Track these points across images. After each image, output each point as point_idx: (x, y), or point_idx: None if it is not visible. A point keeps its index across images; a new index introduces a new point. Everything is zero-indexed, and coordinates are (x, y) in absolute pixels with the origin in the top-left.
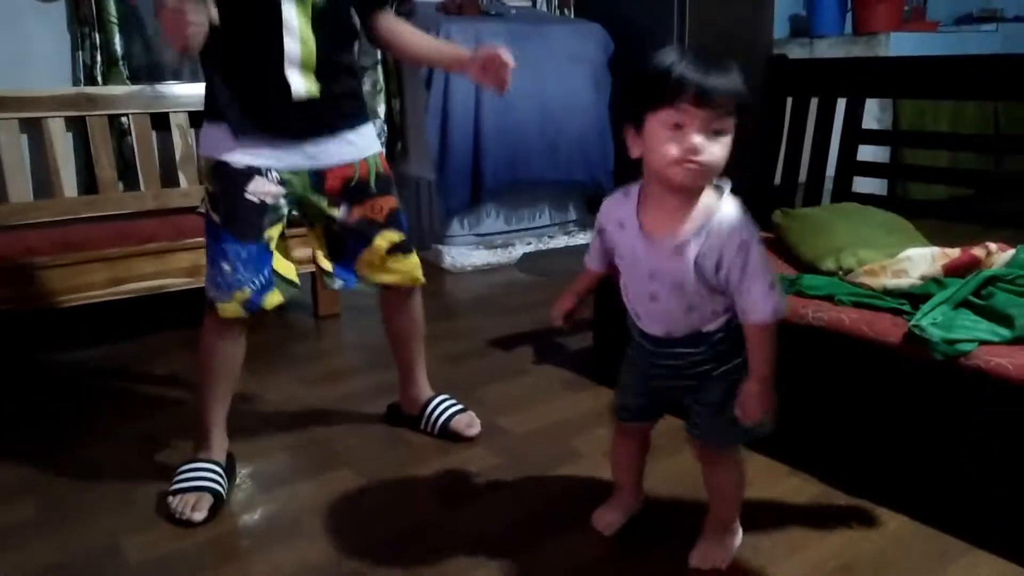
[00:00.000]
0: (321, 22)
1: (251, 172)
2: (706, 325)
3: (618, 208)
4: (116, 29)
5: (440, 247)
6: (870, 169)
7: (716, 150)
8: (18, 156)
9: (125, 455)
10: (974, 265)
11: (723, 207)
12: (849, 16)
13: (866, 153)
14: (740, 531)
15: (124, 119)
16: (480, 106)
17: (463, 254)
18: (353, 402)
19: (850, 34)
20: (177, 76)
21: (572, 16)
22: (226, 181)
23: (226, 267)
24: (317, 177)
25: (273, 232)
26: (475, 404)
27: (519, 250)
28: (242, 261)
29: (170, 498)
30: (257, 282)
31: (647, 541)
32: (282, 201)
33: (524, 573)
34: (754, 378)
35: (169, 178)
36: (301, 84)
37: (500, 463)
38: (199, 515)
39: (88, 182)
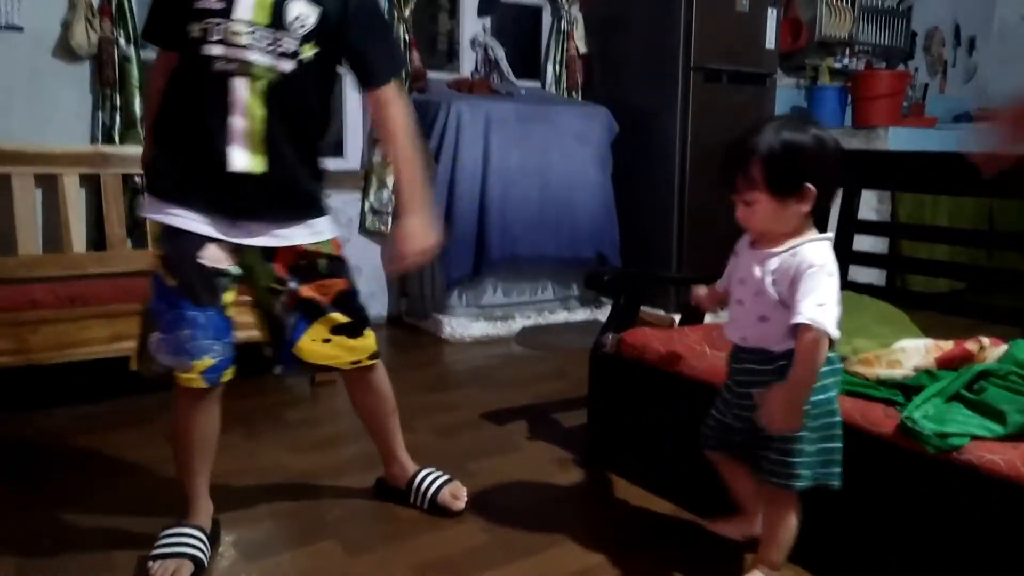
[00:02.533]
0: (274, 98)
1: (202, 239)
2: (773, 344)
3: (742, 241)
4: (137, 91)
5: (440, 317)
6: (866, 259)
7: (754, 217)
8: (31, 210)
9: (110, 517)
10: (967, 359)
11: (815, 243)
12: (849, 109)
13: (865, 244)
14: None
15: (138, 179)
16: (487, 180)
17: (462, 325)
18: (344, 472)
19: (850, 127)
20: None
21: (579, 98)
22: (178, 244)
23: (184, 334)
24: (266, 254)
25: (228, 298)
26: (466, 478)
27: (519, 323)
28: (201, 327)
29: (150, 563)
30: (218, 350)
31: None
32: (235, 268)
33: None
34: (785, 380)
35: None
36: (242, 160)
37: (488, 541)
38: None
39: (97, 238)
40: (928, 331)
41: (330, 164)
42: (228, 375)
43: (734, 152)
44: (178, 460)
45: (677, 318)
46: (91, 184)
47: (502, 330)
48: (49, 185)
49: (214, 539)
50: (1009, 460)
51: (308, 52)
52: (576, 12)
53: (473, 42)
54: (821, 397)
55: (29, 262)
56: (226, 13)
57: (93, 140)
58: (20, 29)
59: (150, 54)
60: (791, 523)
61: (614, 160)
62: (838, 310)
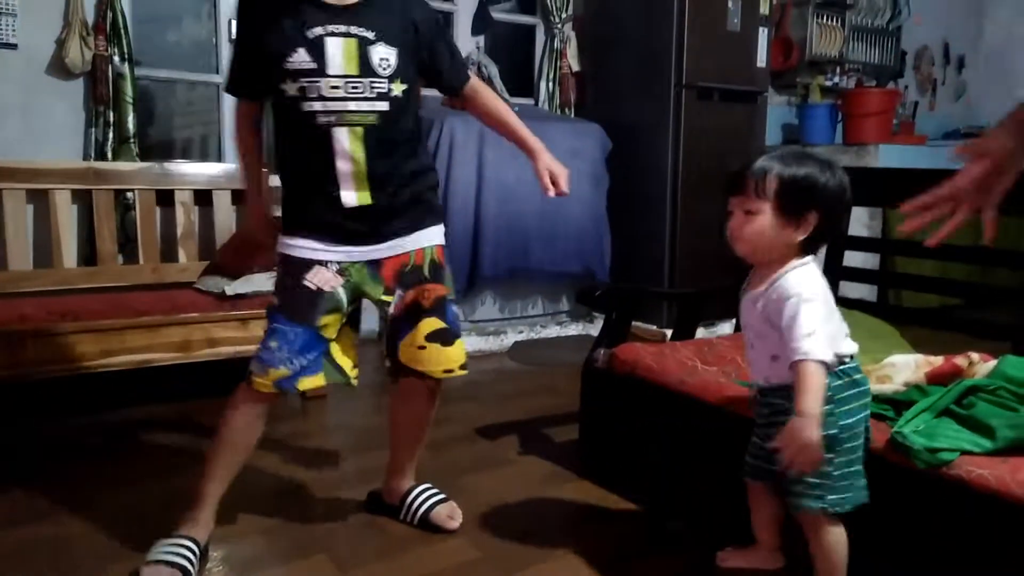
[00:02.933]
0: (372, 140)
1: (311, 263)
2: (791, 379)
3: (750, 277)
4: (131, 108)
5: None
6: (856, 275)
7: (750, 227)
8: (22, 225)
9: (101, 528)
10: (956, 374)
11: (793, 271)
12: (840, 126)
13: (856, 260)
14: None
15: (129, 194)
16: (481, 195)
17: None
18: (334, 486)
19: (840, 144)
20: (186, 155)
21: (572, 115)
22: (288, 268)
23: (273, 344)
24: (374, 265)
25: (328, 321)
26: (458, 493)
27: (511, 338)
28: (289, 342)
29: (142, 567)
30: (297, 364)
31: None
32: (340, 291)
33: None
34: (796, 415)
35: (169, 253)
36: (352, 197)
37: (480, 557)
38: None
39: (88, 253)
40: (919, 347)
41: None
42: (305, 384)
43: (753, 164)
44: (209, 459)
45: (669, 333)
46: (83, 200)
47: (494, 345)
48: (41, 201)
49: (204, 554)
50: (998, 475)
51: (397, 89)
52: (569, 30)
53: (467, 60)
54: (847, 421)
55: (19, 277)
56: (320, 71)
57: (86, 156)
58: (14, 47)
59: (144, 71)
60: (837, 549)
61: (608, 175)
62: (832, 327)
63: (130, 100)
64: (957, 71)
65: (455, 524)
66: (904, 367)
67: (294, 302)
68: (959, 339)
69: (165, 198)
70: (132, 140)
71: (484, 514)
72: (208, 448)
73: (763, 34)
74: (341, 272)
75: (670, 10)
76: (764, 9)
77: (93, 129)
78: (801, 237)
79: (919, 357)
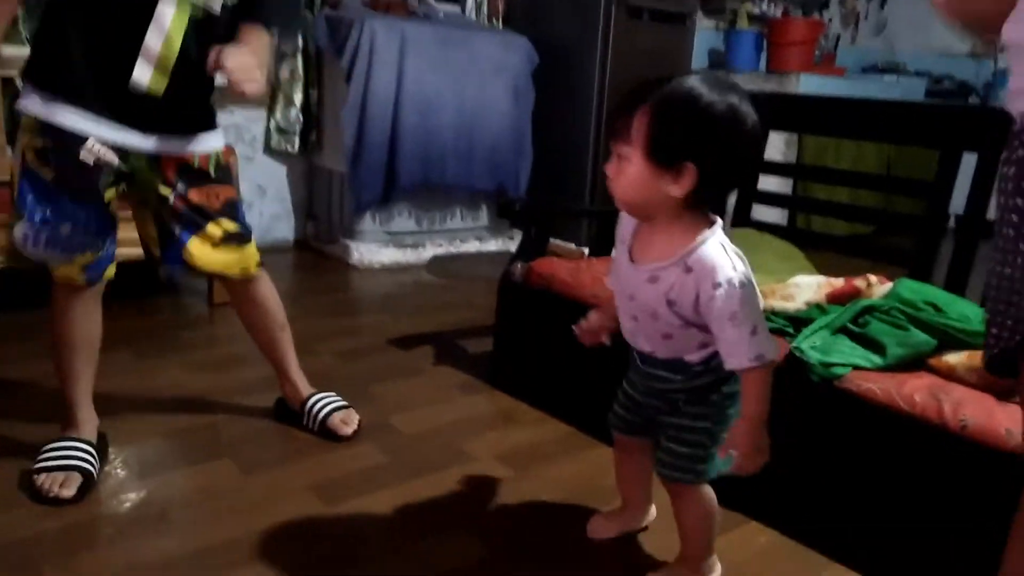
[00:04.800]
0: (196, 30)
1: (84, 136)
2: (687, 355)
3: (626, 223)
4: None
5: (348, 242)
6: (769, 199)
7: (618, 176)
8: None
9: None
10: (855, 295)
11: (705, 244)
12: (764, 54)
13: (771, 184)
14: (716, 572)
15: (18, 81)
16: (399, 104)
17: (372, 251)
18: (241, 392)
19: (763, 71)
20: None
21: (500, 27)
22: (58, 138)
23: (64, 228)
24: (153, 158)
25: (110, 195)
26: (367, 401)
27: (429, 251)
28: (82, 223)
29: (36, 476)
30: (99, 245)
31: (554, 552)
32: (117, 163)
33: (399, 574)
34: (743, 417)
35: None
36: (145, 77)
37: (386, 462)
38: (68, 492)
39: None
40: (826, 270)
41: None
42: (110, 272)
43: (630, 94)
44: (58, 365)
45: (587, 251)
46: None
47: (412, 258)
48: None
49: (102, 452)
50: (885, 389)
51: None
52: None
53: None
54: (733, 401)
55: None
56: None
57: None
58: None
59: None
60: (705, 516)
61: (534, 90)
62: (760, 305)
63: None
64: (880, 6)
65: (349, 430)
66: (806, 287)
67: (75, 178)
68: (862, 264)
69: None
70: (21, 22)
71: (394, 421)
72: (53, 356)
73: None
74: (118, 150)
75: None
76: None
77: None
78: (679, 193)
79: (821, 279)
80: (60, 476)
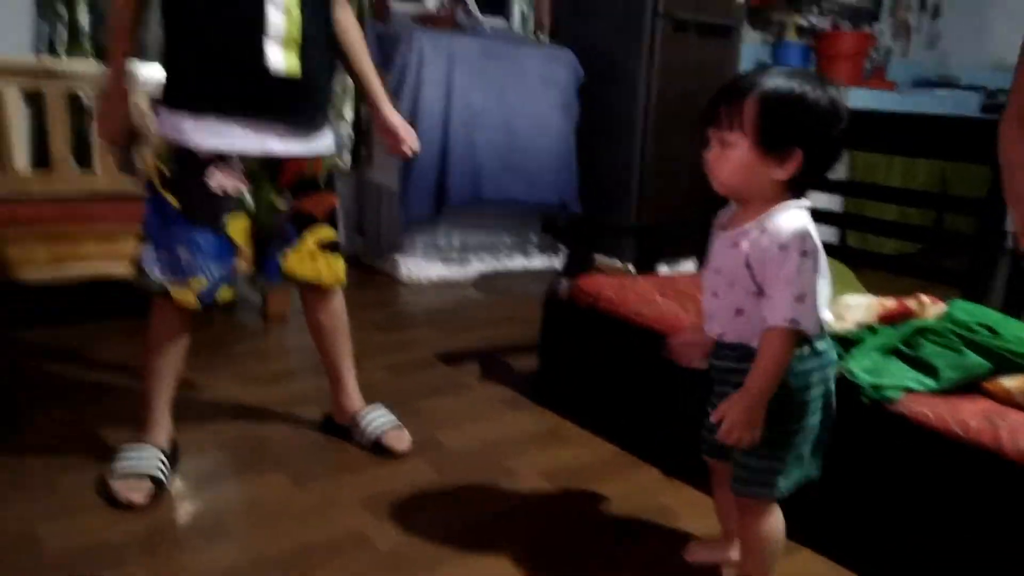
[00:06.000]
0: (308, 1)
1: (214, 159)
2: (753, 340)
3: (723, 215)
4: (83, 2)
5: (397, 258)
6: (818, 216)
7: (722, 162)
8: None
9: (52, 441)
10: (907, 316)
11: (785, 211)
12: (812, 67)
13: (820, 201)
14: None
15: (84, 96)
16: (449, 119)
17: (419, 266)
18: (293, 405)
19: None
20: (144, 57)
21: (546, 40)
22: (187, 165)
23: (183, 254)
24: (271, 165)
25: (234, 223)
26: (414, 416)
27: (476, 267)
28: (201, 250)
29: (111, 481)
30: (215, 273)
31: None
32: (246, 193)
33: None
34: (744, 388)
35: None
36: (281, 60)
37: (434, 478)
38: (139, 498)
39: (40, 156)
40: (876, 290)
41: None
42: (225, 294)
43: (731, 84)
44: (147, 375)
45: (632, 267)
46: (34, 99)
47: (459, 273)
48: None
49: (173, 460)
50: (939, 413)
51: None
52: None
53: None
54: (804, 399)
55: None
56: None
57: (36, 52)
58: None
59: None
60: (773, 536)
61: (579, 104)
62: (825, 289)
63: None
64: (932, 19)
65: (404, 447)
66: (857, 308)
67: (199, 206)
68: (914, 284)
69: None
70: (86, 37)
71: (441, 437)
72: (143, 364)
73: None
74: (246, 173)
75: None
76: None
77: (44, 23)
78: (785, 176)
79: (872, 299)
80: (134, 484)
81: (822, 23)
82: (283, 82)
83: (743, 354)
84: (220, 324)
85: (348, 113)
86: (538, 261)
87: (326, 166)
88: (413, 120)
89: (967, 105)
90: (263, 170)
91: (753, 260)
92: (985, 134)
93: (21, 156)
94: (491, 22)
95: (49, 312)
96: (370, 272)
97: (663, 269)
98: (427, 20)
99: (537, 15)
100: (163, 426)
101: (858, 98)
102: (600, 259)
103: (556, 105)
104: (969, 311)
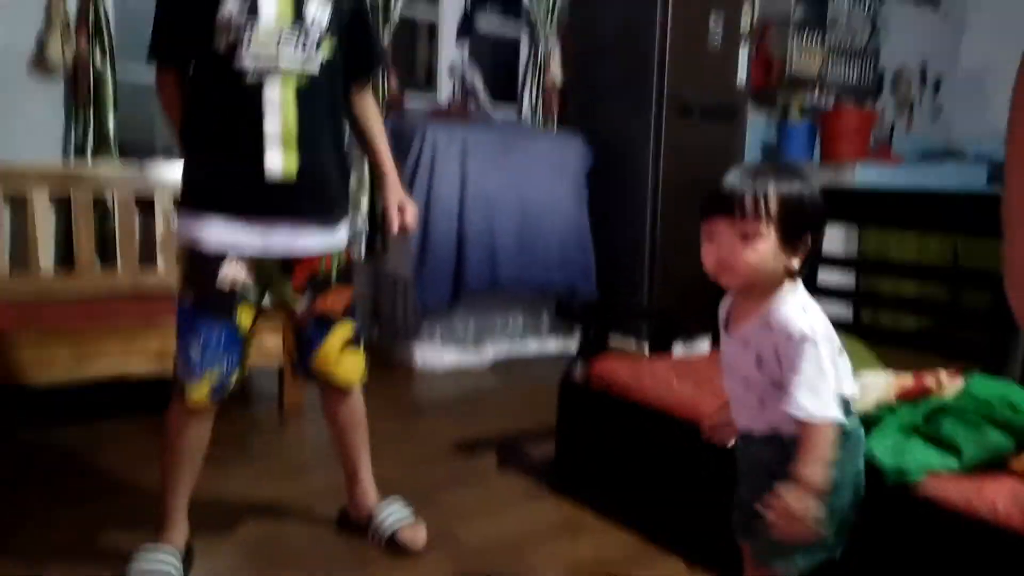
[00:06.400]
0: (305, 99)
1: (221, 256)
2: (783, 427)
3: (722, 307)
4: (111, 110)
5: (412, 346)
6: (830, 293)
7: (743, 254)
8: None
9: (67, 540)
10: (926, 393)
11: (785, 303)
12: (818, 145)
13: (832, 278)
14: None
15: (109, 198)
16: (464, 208)
17: (435, 354)
18: (309, 500)
19: (818, 162)
20: (168, 155)
21: (555, 128)
22: (198, 264)
23: (196, 349)
24: (285, 266)
25: (243, 317)
26: (433, 508)
27: (491, 352)
28: (212, 343)
29: None
30: (226, 365)
31: None
32: (252, 285)
33: None
34: (792, 480)
35: (148, 258)
36: (279, 162)
37: (454, 574)
38: None
39: (65, 256)
40: (893, 366)
41: None
42: (231, 384)
43: (749, 178)
44: (165, 474)
45: (647, 348)
46: (61, 202)
47: (474, 359)
48: (18, 202)
49: (188, 561)
50: (964, 494)
51: (329, 47)
52: (553, 42)
53: (451, 69)
54: (834, 478)
55: None
56: (252, 22)
57: (65, 156)
58: None
59: (126, 73)
60: None
61: (588, 189)
62: (845, 365)
63: (111, 101)
64: (934, 93)
65: (419, 546)
66: (875, 386)
67: (210, 301)
68: (931, 360)
69: (145, 202)
70: (112, 141)
71: (461, 531)
72: (161, 463)
73: (744, 52)
74: (252, 268)
75: (653, 26)
76: (745, 28)
77: (73, 129)
78: (797, 264)
79: (890, 376)
80: None
81: (825, 102)
82: (283, 183)
83: (771, 441)
84: (236, 417)
85: (363, 204)
86: (553, 344)
87: (340, 261)
88: (427, 211)
89: (975, 177)
90: (278, 271)
91: (765, 357)
92: (994, 207)
93: (47, 257)
94: (502, 113)
95: (66, 411)
96: (386, 361)
97: (678, 349)
98: (440, 114)
99: (546, 105)
100: (179, 527)
101: (866, 174)
102: (615, 340)
103: (568, 191)
104: (988, 387)
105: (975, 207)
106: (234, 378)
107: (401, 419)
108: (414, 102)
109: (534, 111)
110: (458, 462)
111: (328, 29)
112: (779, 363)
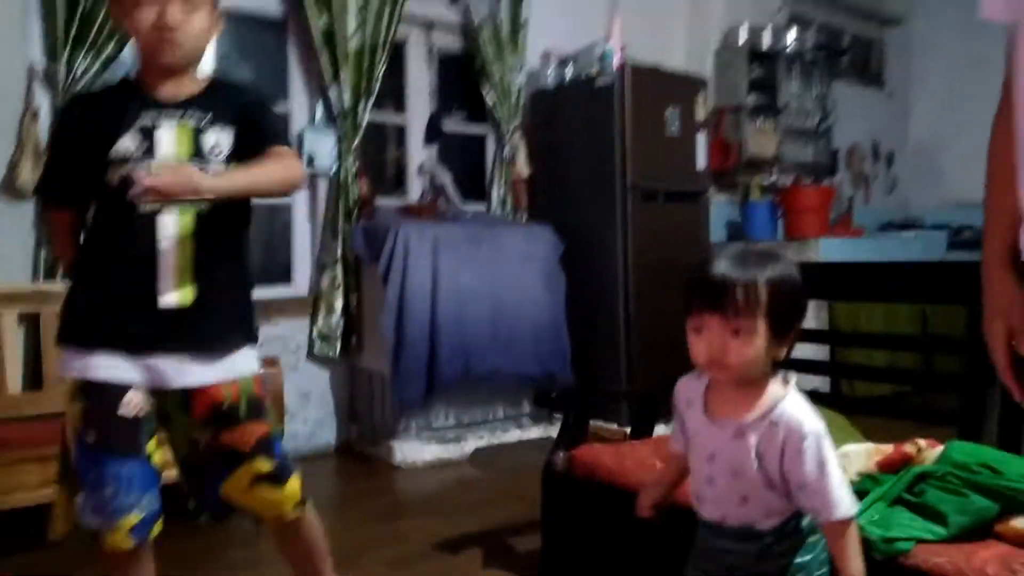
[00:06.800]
0: (202, 228)
1: (123, 387)
2: (759, 523)
3: (689, 388)
4: (81, 233)
5: (391, 443)
6: (804, 367)
7: (737, 350)
8: None
9: None
10: (906, 461)
11: (788, 398)
12: (780, 222)
13: (807, 352)
14: None
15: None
16: (436, 301)
17: (414, 450)
18: None
19: (782, 239)
20: None
21: (524, 219)
22: (96, 397)
23: (108, 491)
24: (185, 397)
25: (152, 446)
26: None
27: (471, 444)
28: (125, 481)
29: None
30: (144, 504)
31: None
32: (153, 412)
33: None
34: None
35: None
36: (172, 293)
37: None
38: None
39: (33, 376)
40: (871, 435)
41: (278, 291)
42: (157, 528)
43: (737, 268)
44: None
45: (628, 431)
46: (30, 322)
47: (454, 452)
48: None
49: None
50: (954, 562)
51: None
52: (518, 139)
53: (420, 168)
54: (808, 558)
55: None
56: (148, 155)
57: (35, 277)
58: None
59: None
60: None
61: (564, 275)
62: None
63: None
64: (887, 166)
65: None
66: (856, 457)
67: (114, 436)
68: (909, 426)
69: None
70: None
71: None
72: None
73: (701, 138)
74: (154, 395)
75: (612, 118)
76: (700, 116)
77: (43, 250)
78: (783, 355)
79: (870, 446)
80: None
81: (783, 180)
82: (176, 313)
83: (746, 535)
84: (209, 532)
85: (338, 304)
86: (534, 432)
87: (248, 395)
88: (401, 306)
89: (935, 244)
90: (174, 404)
91: (766, 452)
92: (957, 275)
93: (15, 378)
94: (471, 207)
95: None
96: (364, 459)
97: (660, 429)
98: (411, 211)
99: (515, 197)
100: None
101: (830, 248)
102: (596, 424)
103: (539, 279)
104: (967, 451)
105: (938, 276)
106: (158, 523)
107: (382, 520)
108: (385, 203)
109: (503, 204)
110: (442, 562)
111: (231, 154)
112: (782, 461)
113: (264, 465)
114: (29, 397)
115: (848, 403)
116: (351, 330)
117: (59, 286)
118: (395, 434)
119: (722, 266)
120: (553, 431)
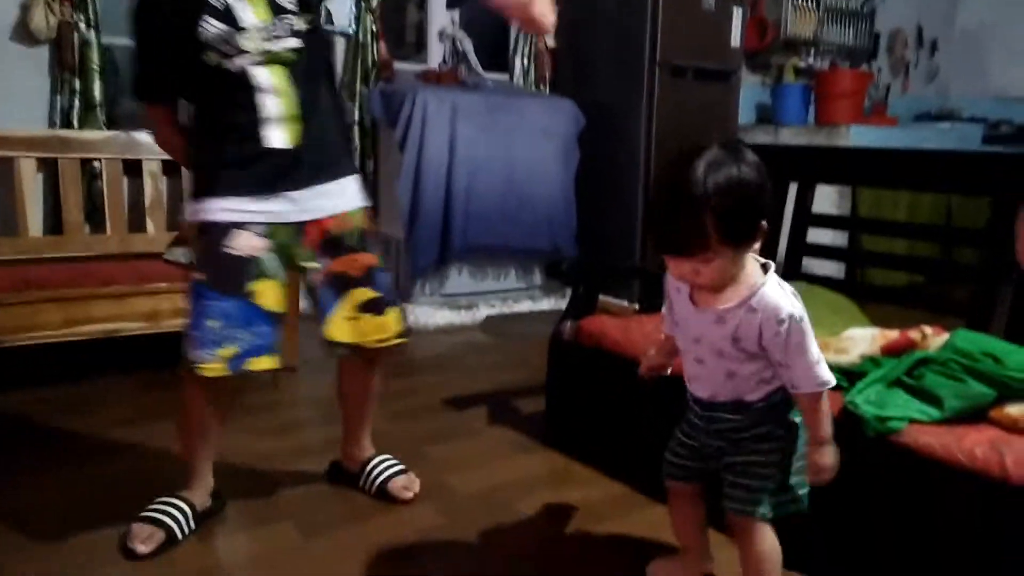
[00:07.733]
0: (295, 73)
1: (233, 227)
2: (748, 394)
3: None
4: (97, 76)
5: (406, 306)
6: (820, 251)
7: (706, 273)
8: None
9: (59, 502)
10: (910, 347)
11: (766, 286)
12: (812, 107)
13: (825, 238)
14: None
15: (96, 163)
16: (452, 169)
17: (427, 314)
18: (301, 455)
19: (812, 124)
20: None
21: (547, 92)
22: (208, 238)
23: (210, 324)
24: (298, 228)
25: (259, 287)
26: (422, 461)
27: (483, 312)
28: (226, 316)
29: (132, 525)
30: (244, 340)
31: None
32: (269, 255)
33: None
34: (814, 441)
35: (137, 224)
36: (277, 136)
37: (443, 523)
38: (144, 548)
39: (55, 223)
40: (883, 322)
41: None
42: (258, 363)
43: (676, 209)
44: (184, 441)
45: (637, 307)
46: (49, 168)
47: (466, 319)
48: (5, 168)
49: (207, 514)
50: (944, 443)
51: (303, 24)
52: None
53: (441, 34)
54: (779, 431)
55: None
56: (235, 30)
57: (51, 124)
58: None
59: (111, 38)
60: (773, 555)
61: (580, 153)
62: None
63: (96, 68)
64: (930, 54)
65: (410, 495)
66: (861, 340)
67: (219, 271)
68: (920, 315)
69: (133, 168)
70: (99, 108)
71: (449, 482)
72: (181, 431)
73: (738, 14)
74: (267, 236)
75: None
76: None
77: (59, 96)
78: (759, 245)
79: (875, 331)
80: (147, 530)
81: (820, 63)
82: (283, 153)
83: (736, 407)
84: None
85: None
86: (545, 304)
87: (357, 226)
88: (418, 172)
89: (970, 137)
90: (291, 237)
91: (745, 335)
92: (986, 167)
93: (35, 223)
94: (493, 77)
95: (59, 369)
96: None
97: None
98: (431, 77)
99: (538, 68)
100: (201, 482)
101: (861, 135)
102: (606, 299)
103: (556, 154)
104: (972, 340)
105: (967, 167)
106: (258, 361)
107: (393, 376)
108: (404, 68)
109: (525, 75)
110: (449, 417)
111: (300, 4)
112: (760, 342)
113: (369, 292)
114: (49, 240)
115: (860, 289)
116: (367, 195)
117: (76, 133)
118: (409, 298)
119: (665, 198)
120: (563, 304)
